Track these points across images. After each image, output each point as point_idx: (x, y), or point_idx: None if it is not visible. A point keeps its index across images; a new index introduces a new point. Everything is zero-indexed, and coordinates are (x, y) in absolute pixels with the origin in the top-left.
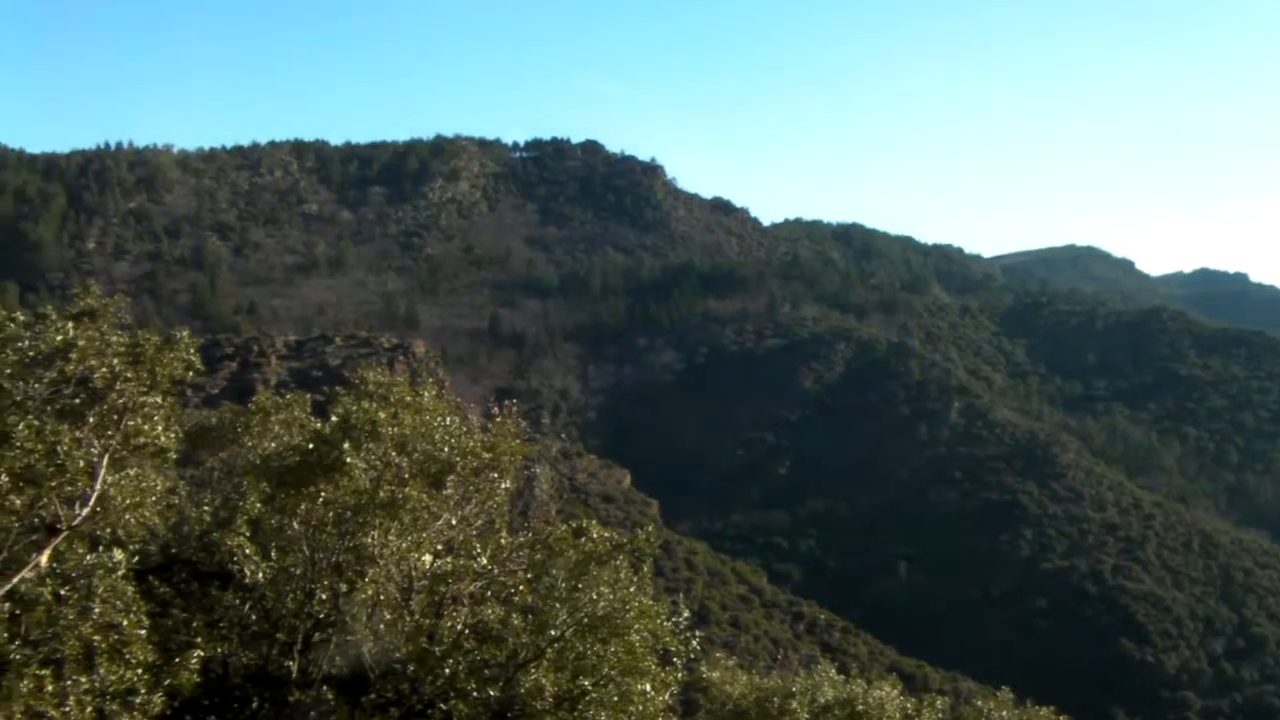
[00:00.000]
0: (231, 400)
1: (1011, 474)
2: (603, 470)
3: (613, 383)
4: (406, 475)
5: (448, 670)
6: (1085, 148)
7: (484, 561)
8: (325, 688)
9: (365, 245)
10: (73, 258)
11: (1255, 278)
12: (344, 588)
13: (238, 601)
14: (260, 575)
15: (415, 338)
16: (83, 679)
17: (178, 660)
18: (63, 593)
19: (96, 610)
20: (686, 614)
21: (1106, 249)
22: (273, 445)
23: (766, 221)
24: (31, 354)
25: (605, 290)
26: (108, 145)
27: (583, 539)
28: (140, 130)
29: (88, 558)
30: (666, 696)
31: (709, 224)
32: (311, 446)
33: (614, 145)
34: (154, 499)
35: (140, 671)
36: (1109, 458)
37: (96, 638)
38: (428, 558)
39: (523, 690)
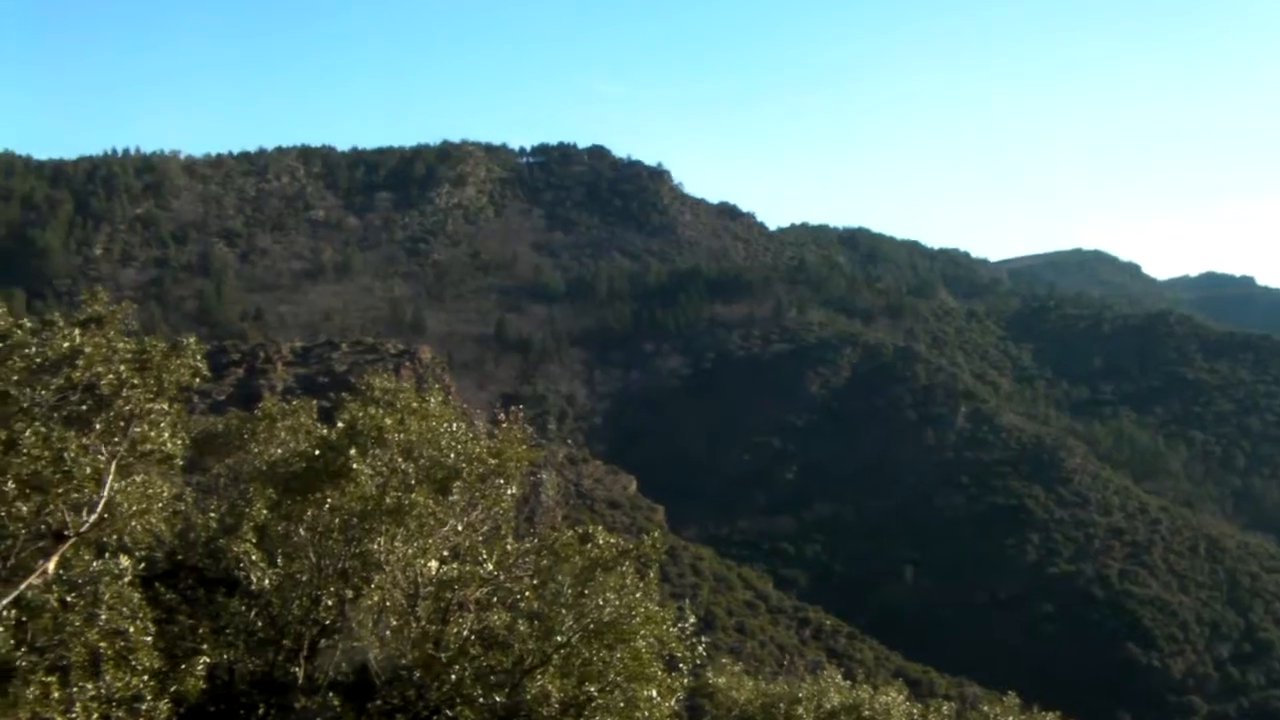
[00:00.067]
0: (238, 407)
1: (1018, 478)
2: (609, 476)
3: (619, 388)
4: (413, 481)
5: (454, 676)
6: (1092, 151)
7: (490, 567)
8: (331, 694)
9: (372, 251)
10: (79, 264)
11: (1262, 281)
12: (350, 594)
13: (244, 608)
14: (266, 582)
15: (421, 343)
16: (89, 685)
17: (184, 667)
18: (69, 599)
19: (103, 617)
20: (692, 620)
21: (1113, 253)
22: (279, 452)
23: (773, 226)
24: (38, 360)
25: (611, 295)
26: (114, 151)
27: (589, 545)
28: (147, 136)
29: (94, 564)
30: (672, 702)
31: (715, 229)
32: (318, 453)
33: (620, 150)
34: (160, 505)
35: (146, 678)
36: (1115, 462)
37: (103, 644)
38: (434, 564)
39: (529, 696)
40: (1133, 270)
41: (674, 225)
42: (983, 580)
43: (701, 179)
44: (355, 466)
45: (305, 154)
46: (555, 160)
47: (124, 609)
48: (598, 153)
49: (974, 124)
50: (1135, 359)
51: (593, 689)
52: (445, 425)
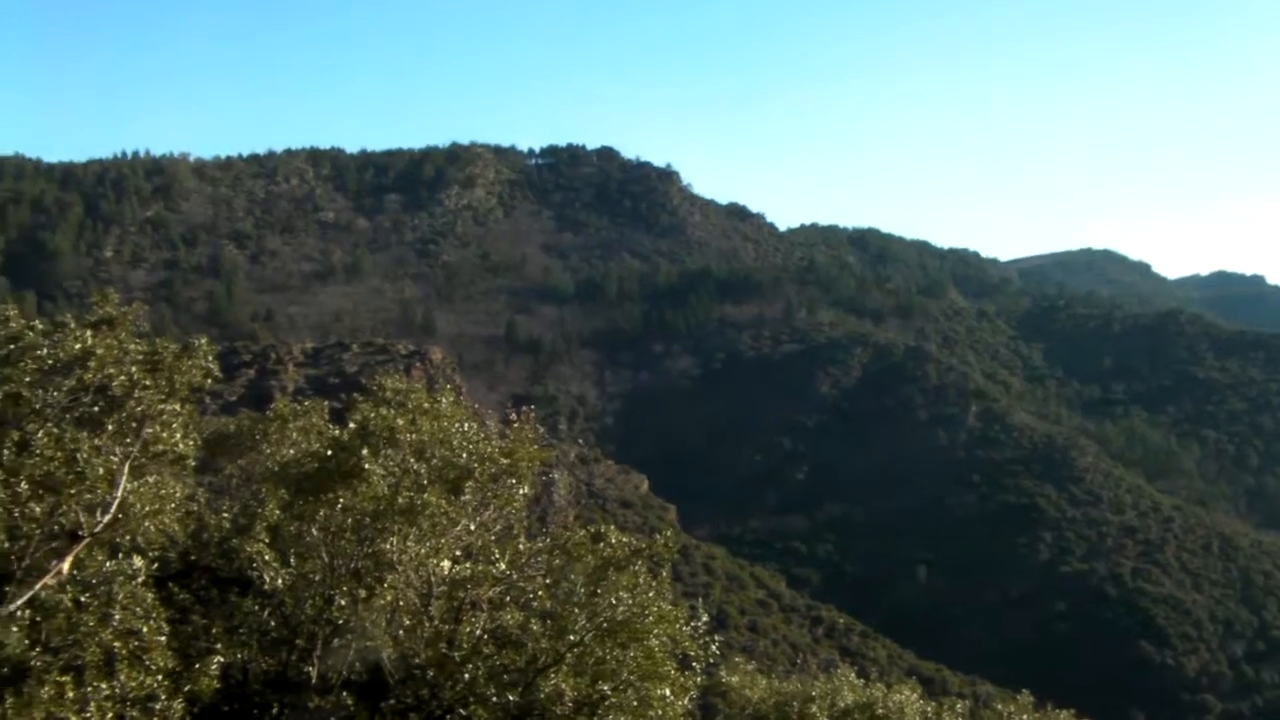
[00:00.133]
0: (249, 407)
1: (1030, 477)
2: (620, 475)
3: (629, 388)
4: (425, 481)
5: (467, 675)
6: (1101, 150)
7: (503, 567)
8: (345, 693)
9: (381, 252)
10: (90, 266)
11: (1272, 280)
12: (363, 594)
13: (257, 608)
14: (279, 581)
15: (432, 344)
16: (103, 685)
17: (198, 666)
18: (83, 599)
19: (117, 617)
20: (705, 619)
21: (1123, 252)
22: (291, 452)
23: (782, 226)
24: (50, 362)
25: (621, 296)
26: (124, 154)
27: (601, 544)
28: (157, 139)
29: (108, 565)
30: (686, 701)
31: (725, 229)
32: (330, 453)
33: (629, 151)
34: (173, 506)
35: (160, 678)
36: (1127, 461)
37: (117, 644)
38: (446, 563)
39: (542, 695)
40: (1143, 269)
41: (683, 226)
42: (995, 579)
43: (711, 180)
44: (367, 467)
45: (314, 156)
46: (564, 161)
47: (138, 609)
48: (607, 154)
49: (984, 124)
50: (1146, 358)
51: (606, 688)
52: (457, 425)
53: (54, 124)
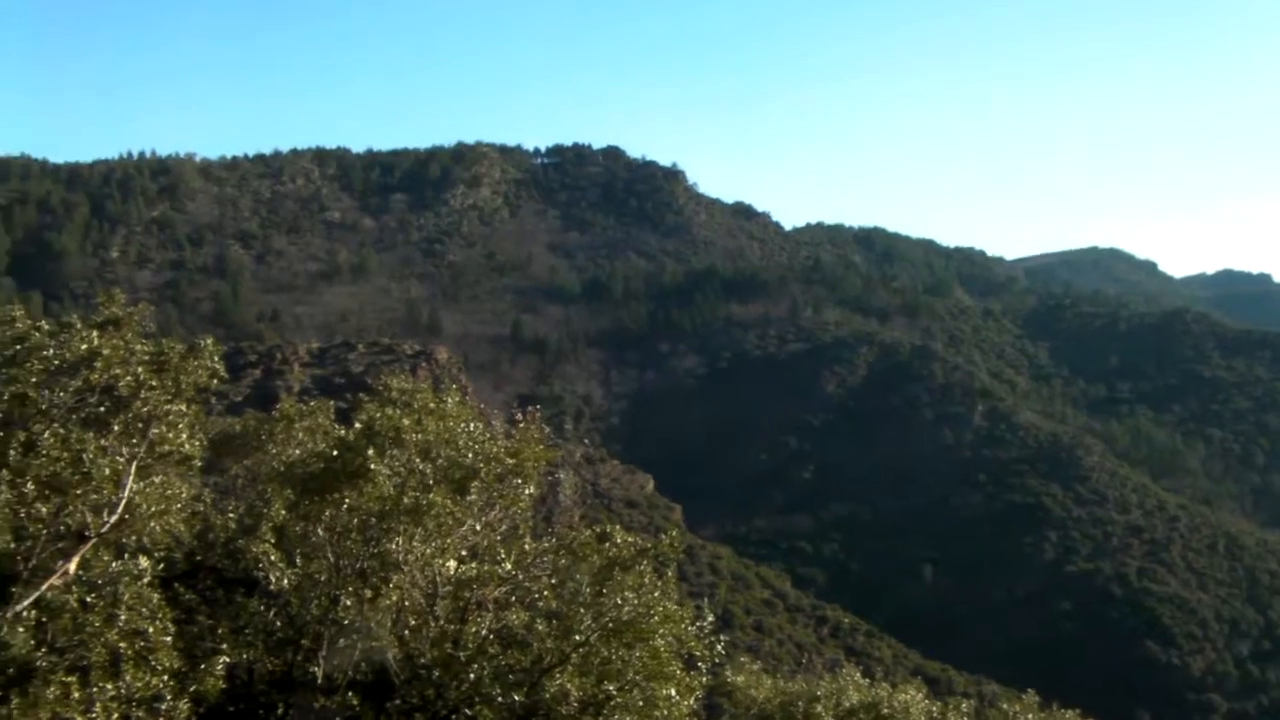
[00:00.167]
0: (255, 408)
1: (1035, 477)
2: (626, 475)
3: (635, 388)
4: (430, 481)
5: (473, 675)
6: (1108, 148)
7: (508, 567)
8: (350, 693)
9: (387, 252)
10: (96, 267)
11: (1279, 278)
12: (368, 594)
13: (263, 608)
14: (285, 582)
15: (438, 344)
16: (109, 686)
17: (203, 666)
18: (89, 600)
19: (123, 617)
20: (710, 618)
21: (1129, 250)
22: (297, 452)
23: (788, 225)
24: (57, 363)
25: (627, 296)
26: (130, 155)
27: (606, 544)
28: (162, 139)
29: (114, 565)
30: (691, 701)
31: (731, 228)
32: (335, 453)
33: (635, 150)
34: (179, 506)
35: (166, 678)
36: (1133, 460)
37: (123, 644)
38: (452, 563)
39: (548, 695)
40: (1149, 268)
41: (689, 225)
42: (1001, 578)
43: (716, 179)
44: (373, 467)
45: (320, 156)
46: (570, 161)
47: (143, 609)
48: (612, 153)
49: (990, 122)
50: (1152, 357)
51: (611, 688)
52: (463, 425)
53: (60, 124)
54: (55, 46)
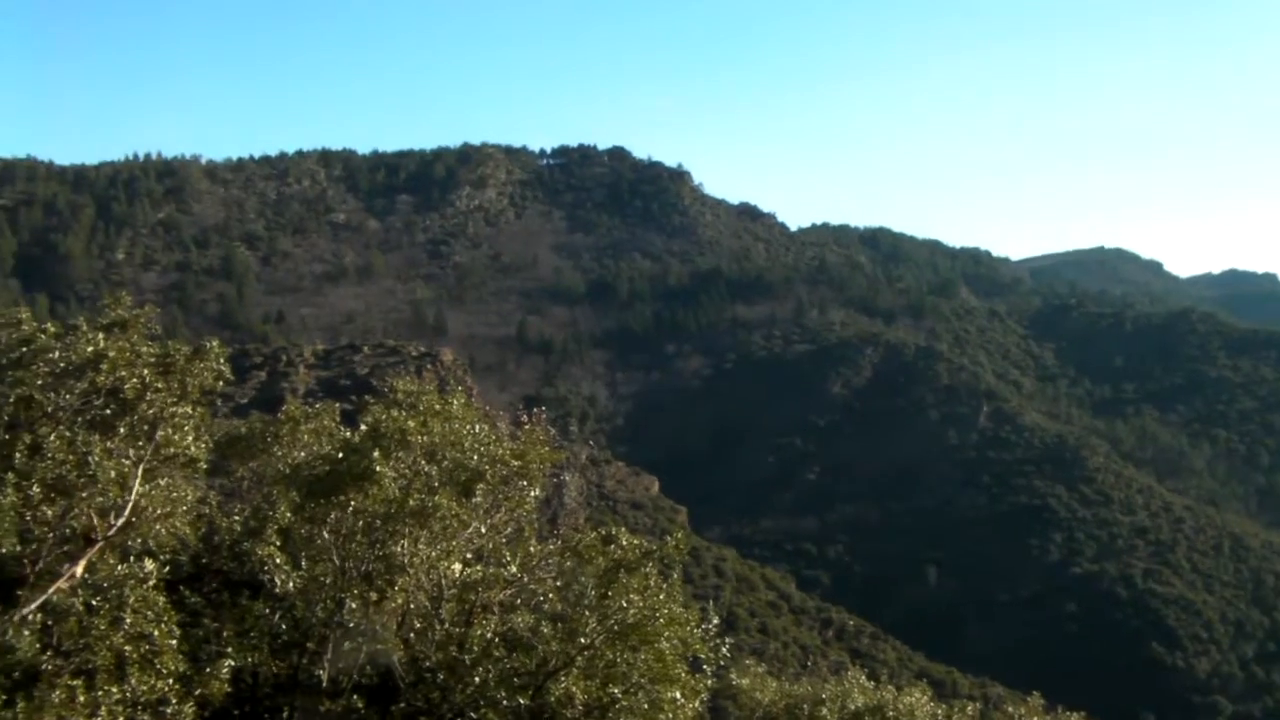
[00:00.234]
0: (260, 410)
1: (1041, 478)
2: (631, 477)
3: (641, 389)
4: (436, 484)
5: (478, 678)
6: (1113, 148)
7: (514, 569)
8: (355, 696)
9: (393, 254)
10: (102, 269)
11: None
12: (374, 596)
13: (268, 611)
14: (290, 585)
15: (443, 346)
16: (114, 689)
17: (209, 670)
18: (94, 603)
19: (128, 621)
20: (716, 621)
21: (1134, 250)
22: (302, 454)
23: (794, 226)
24: (62, 365)
25: (633, 297)
26: (136, 156)
27: (612, 546)
28: (168, 141)
29: (119, 568)
30: (696, 704)
31: (736, 229)
32: (341, 455)
33: (640, 151)
34: (184, 509)
35: (171, 681)
36: (1138, 461)
37: (128, 648)
38: (457, 566)
39: (553, 698)
40: (1154, 268)
41: (694, 226)
42: (1006, 580)
43: (722, 179)
44: (378, 469)
45: (326, 157)
46: (575, 162)
47: (149, 613)
48: (618, 154)
49: (995, 122)
50: (1158, 357)
51: (616, 691)
52: (468, 427)
53: (66, 127)
54: (61, 49)
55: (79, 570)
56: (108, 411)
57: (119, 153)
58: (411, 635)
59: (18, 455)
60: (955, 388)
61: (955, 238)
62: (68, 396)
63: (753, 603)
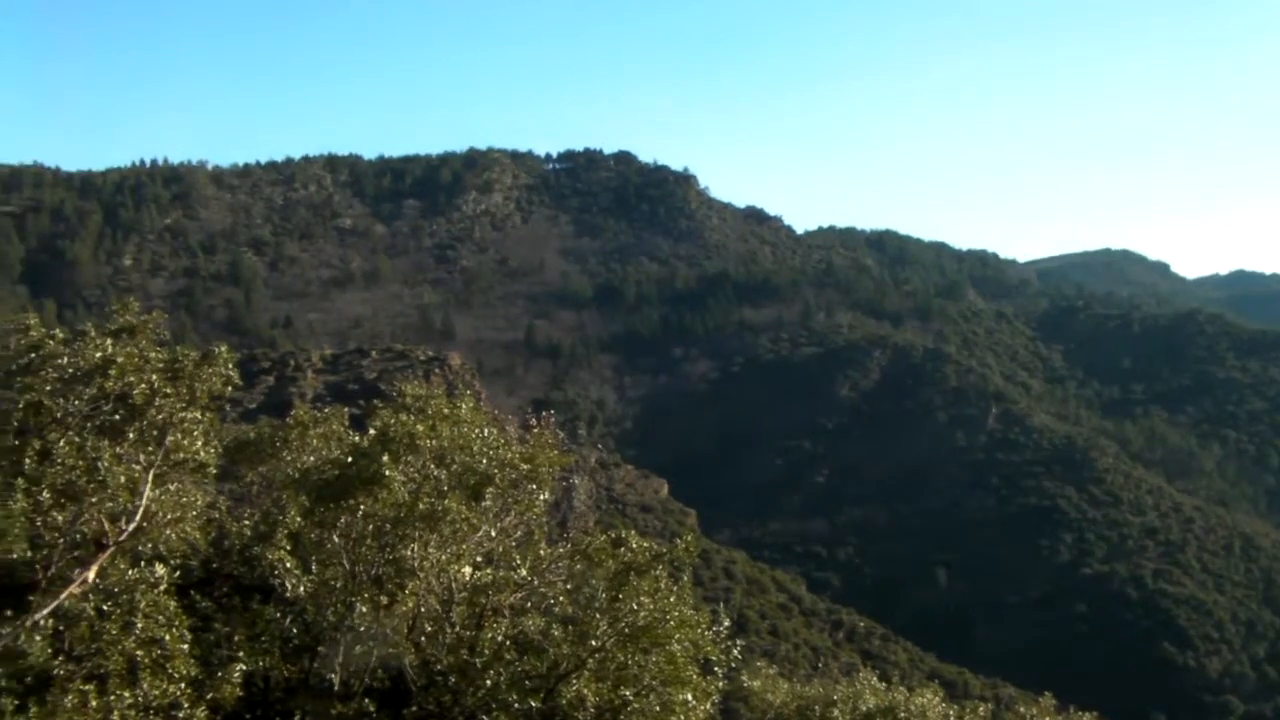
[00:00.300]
0: (269, 415)
1: (1050, 479)
2: (640, 480)
3: (648, 392)
4: (445, 488)
5: (489, 681)
6: (1120, 150)
7: (524, 573)
8: (366, 700)
9: (400, 258)
10: (109, 275)
11: None
12: (384, 600)
13: (279, 615)
14: (301, 589)
15: (451, 350)
16: (126, 694)
17: (220, 674)
18: (106, 608)
19: (139, 625)
20: (726, 623)
21: (1141, 252)
22: (311, 459)
23: (800, 229)
24: (71, 371)
25: (640, 300)
26: (143, 162)
27: (622, 549)
28: (175, 147)
29: (130, 573)
30: (708, 706)
31: (742, 232)
32: (350, 460)
33: (646, 155)
34: (195, 514)
35: (183, 686)
36: (1148, 461)
37: (139, 652)
38: (468, 569)
39: (564, 701)
40: (1161, 269)
41: (701, 229)
42: (1016, 581)
43: (728, 183)
44: (388, 473)
45: (332, 163)
46: (581, 166)
47: (160, 617)
48: (624, 158)
49: (1002, 124)
50: (1166, 358)
51: (628, 693)
52: (477, 431)
53: (72, 133)
54: (67, 55)
55: (91, 575)
56: (117, 417)
57: (126, 159)
58: (422, 639)
59: (27, 461)
60: (963, 390)
61: (962, 240)
62: (77, 402)
63: (763, 605)
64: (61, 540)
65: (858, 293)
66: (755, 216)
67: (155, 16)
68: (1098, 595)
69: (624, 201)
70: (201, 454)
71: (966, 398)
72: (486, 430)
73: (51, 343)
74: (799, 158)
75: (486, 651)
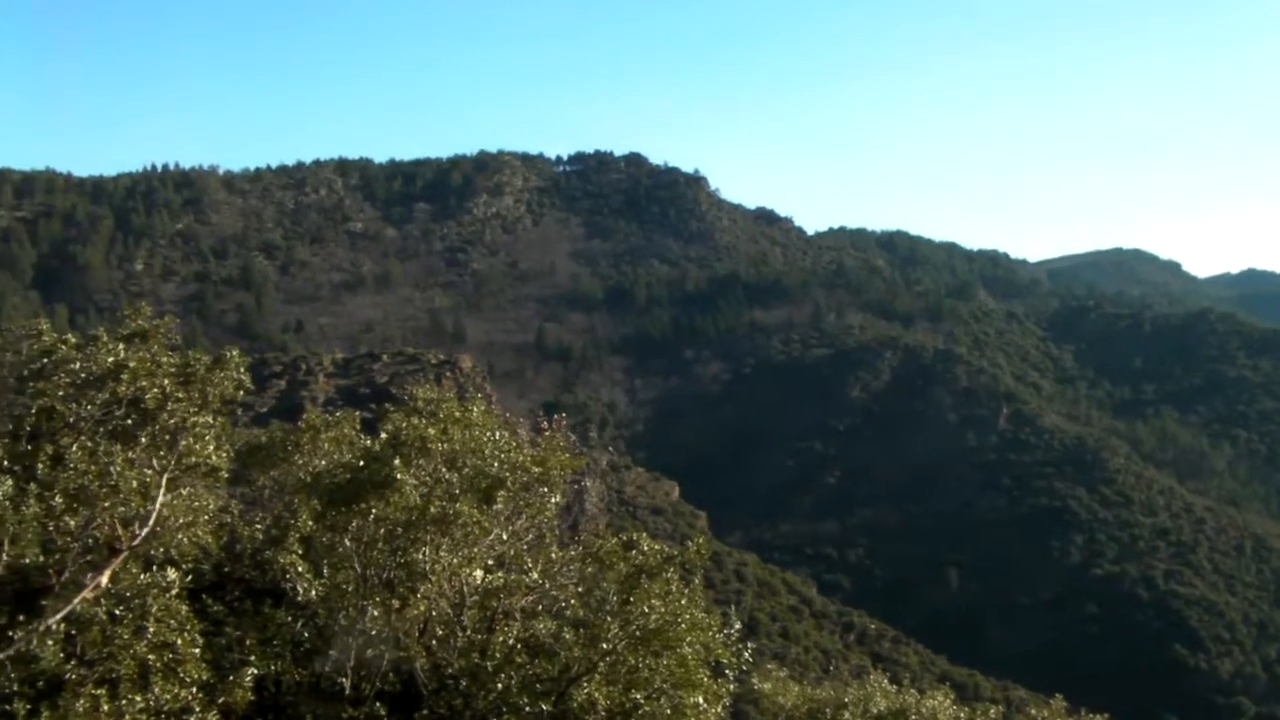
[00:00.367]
0: (280, 418)
1: (1061, 480)
2: (651, 483)
3: (659, 395)
4: (457, 491)
5: (500, 685)
6: (1131, 149)
7: (535, 576)
8: (378, 704)
9: (411, 262)
10: (121, 279)
11: None
12: (396, 604)
13: (290, 619)
14: (313, 593)
15: (462, 353)
16: (138, 698)
17: (231, 678)
18: (118, 612)
19: (151, 630)
20: (737, 625)
21: (1153, 251)
22: (323, 463)
23: (811, 230)
24: (83, 376)
25: (650, 302)
26: (154, 167)
27: (633, 552)
28: (185, 152)
29: (142, 577)
30: (719, 709)
31: (753, 234)
32: (362, 463)
33: (657, 157)
34: (207, 518)
35: (195, 690)
36: (1159, 462)
37: (151, 657)
38: (479, 573)
39: (575, 704)
40: (1173, 269)
41: (712, 231)
42: (1027, 582)
43: (739, 184)
44: (399, 477)
45: (343, 166)
46: (592, 168)
47: (172, 621)
48: (634, 160)
49: (1012, 124)
50: (1177, 358)
51: (639, 696)
52: (488, 434)
53: (83, 138)
54: (78, 61)
55: (103, 580)
56: (129, 421)
57: (136, 164)
58: (434, 642)
59: (40, 466)
60: (974, 390)
61: (973, 240)
62: (89, 407)
63: (774, 607)
64: (74, 545)
65: (869, 293)
66: (766, 218)
67: (165, 20)
68: (1109, 596)
69: (634, 203)
70: (213, 458)
71: (977, 398)
72: (498, 433)
73: (64, 348)
74: (809, 158)
75: (498, 655)
